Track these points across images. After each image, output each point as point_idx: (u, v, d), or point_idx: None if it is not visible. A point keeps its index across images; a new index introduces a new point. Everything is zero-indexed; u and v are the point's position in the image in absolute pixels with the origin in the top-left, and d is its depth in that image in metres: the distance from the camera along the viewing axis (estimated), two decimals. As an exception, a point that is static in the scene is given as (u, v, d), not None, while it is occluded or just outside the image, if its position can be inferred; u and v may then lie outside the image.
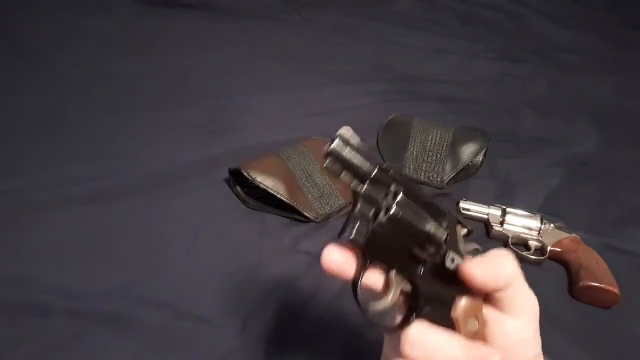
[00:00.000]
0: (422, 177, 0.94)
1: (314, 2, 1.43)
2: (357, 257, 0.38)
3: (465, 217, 0.87)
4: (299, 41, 1.29)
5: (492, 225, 0.86)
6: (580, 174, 1.00)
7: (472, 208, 0.88)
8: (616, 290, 0.75)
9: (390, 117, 1.03)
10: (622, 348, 0.72)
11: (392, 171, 0.36)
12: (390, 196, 0.36)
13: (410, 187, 0.36)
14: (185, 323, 0.67)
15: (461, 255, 0.37)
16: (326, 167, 0.35)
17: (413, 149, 0.96)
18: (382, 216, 0.35)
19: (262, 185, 0.81)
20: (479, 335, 0.37)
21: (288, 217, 0.83)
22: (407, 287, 0.37)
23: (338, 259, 0.37)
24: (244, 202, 0.85)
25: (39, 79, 1.05)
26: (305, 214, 0.82)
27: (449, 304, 0.37)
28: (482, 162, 0.97)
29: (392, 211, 0.35)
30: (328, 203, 0.85)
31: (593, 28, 1.49)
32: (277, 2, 1.41)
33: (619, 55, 1.41)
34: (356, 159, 0.35)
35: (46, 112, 0.97)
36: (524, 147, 1.06)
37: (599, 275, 0.76)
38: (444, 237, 0.36)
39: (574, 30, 1.48)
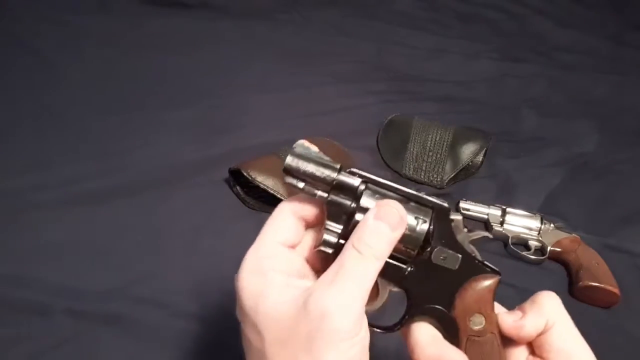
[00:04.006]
0: (422, 177, 0.94)
1: (314, 1, 1.43)
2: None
3: (465, 217, 0.87)
4: (298, 41, 1.28)
5: (492, 225, 0.86)
6: (580, 174, 1.00)
7: (472, 208, 0.88)
8: (616, 290, 0.75)
9: (390, 117, 1.03)
10: (622, 348, 0.72)
11: (357, 172, 0.36)
12: (358, 199, 0.35)
13: (380, 184, 0.35)
14: (185, 323, 0.67)
15: (458, 248, 0.35)
16: (288, 184, 0.36)
17: (413, 149, 0.96)
18: (352, 223, 0.34)
19: (262, 185, 0.81)
20: (485, 333, 0.35)
21: (288, 217, 0.83)
22: (396, 288, 0.36)
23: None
24: (243, 202, 0.85)
25: (38, 78, 1.05)
26: (305, 213, 0.82)
27: (449, 303, 0.35)
28: (482, 162, 0.97)
29: (357, 217, 0.34)
30: (328, 203, 0.85)
31: (593, 28, 1.49)
32: (277, 2, 1.41)
33: (619, 55, 1.41)
34: (313, 169, 0.35)
35: (46, 111, 0.97)
36: (524, 147, 1.06)
37: (599, 275, 0.76)
38: (423, 235, 0.35)
39: (574, 30, 1.47)
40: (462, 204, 0.88)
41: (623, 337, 0.73)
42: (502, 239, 0.85)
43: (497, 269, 0.37)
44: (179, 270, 0.73)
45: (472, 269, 0.36)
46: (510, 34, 1.45)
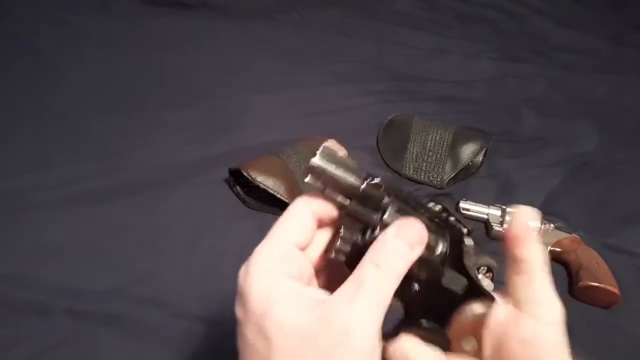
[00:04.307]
0: (422, 177, 0.94)
1: (314, 1, 1.43)
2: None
3: (465, 217, 0.87)
4: (298, 41, 1.28)
5: (492, 225, 0.86)
6: (580, 174, 1.00)
7: (472, 208, 0.88)
8: (616, 290, 0.75)
9: (390, 117, 1.03)
10: (622, 348, 0.72)
11: (383, 186, 0.34)
12: (380, 213, 0.33)
13: (404, 200, 0.34)
14: (185, 323, 0.67)
15: (464, 272, 0.35)
16: (308, 184, 0.33)
17: (413, 149, 0.96)
18: (368, 234, 0.33)
19: (262, 185, 0.81)
20: (475, 356, 0.35)
21: (288, 217, 0.83)
22: (397, 301, 0.35)
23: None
24: (244, 202, 0.85)
25: (38, 78, 1.05)
26: (305, 214, 0.82)
27: (445, 320, 0.35)
28: (482, 162, 0.97)
29: (377, 232, 0.33)
30: (328, 203, 0.85)
31: (593, 28, 1.49)
32: (277, 2, 1.41)
33: (619, 55, 1.41)
34: (339, 175, 0.33)
35: (46, 111, 0.97)
36: (524, 147, 1.06)
37: (599, 275, 0.76)
38: (441, 256, 0.34)
39: (574, 30, 1.47)
40: (462, 204, 0.89)
41: (623, 337, 0.73)
42: (502, 239, 0.85)
43: (493, 296, 0.36)
44: (179, 270, 0.73)
45: (474, 293, 0.36)
46: (510, 34, 1.45)
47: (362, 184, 0.33)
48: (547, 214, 0.87)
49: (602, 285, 0.75)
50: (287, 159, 0.87)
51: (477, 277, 0.36)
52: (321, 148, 0.33)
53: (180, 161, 0.90)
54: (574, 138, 1.09)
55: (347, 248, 0.34)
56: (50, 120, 0.95)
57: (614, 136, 1.11)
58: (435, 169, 0.94)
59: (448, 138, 0.96)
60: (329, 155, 0.33)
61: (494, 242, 0.86)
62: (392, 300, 0.34)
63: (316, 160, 0.33)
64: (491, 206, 0.88)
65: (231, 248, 0.77)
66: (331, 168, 0.33)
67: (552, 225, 0.85)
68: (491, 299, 0.36)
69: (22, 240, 0.74)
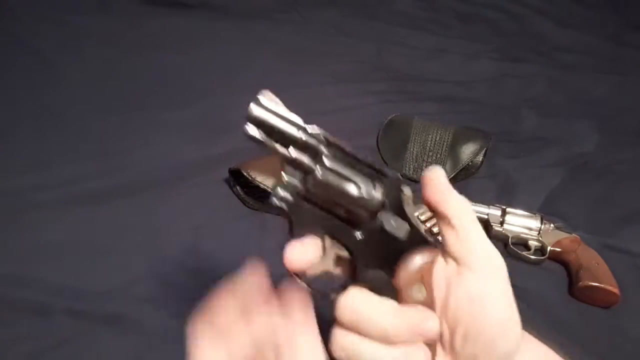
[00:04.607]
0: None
1: (314, 1, 1.43)
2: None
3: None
4: (298, 40, 1.28)
5: (492, 225, 0.86)
6: (580, 174, 1.00)
7: (472, 208, 0.88)
8: (616, 290, 0.75)
9: (390, 117, 1.02)
10: (622, 348, 0.72)
11: (320, 132, 0.35)
12: (317, 159, 0.34)
13: (341, 149, 0.35)
14: (185, 323, 0.67)
15: (406, 219, 0.36)
16: (246, 133, 0.34)
17: (413, 149, 0.96)
18: (308, 181, 0.34)
19: (262, 185, 0.81)
20: (425, 304, 0.35)
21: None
22: (345, 253, 0.36)
23: (301, 254, 0.35)
24: (244, 202, 0.85)
25: (38, 78, 1.05)
26: (305, 213, 0.82)
27: (392, 270, 0.36)
28: (482, 162, 0.97)
29: (315, 174, 0.34)
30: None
31: (593, 28, 1.49)
32: (277, 2, 1.41)
33: (619, 55, 1.41)
34: (278, 122, 0.34)
35: (46, 111, 0.97)
36: (524, 147, 1.06)
37: (599, 275, 0.76)
38: (378, 199, 0.35)
39: (574, 30, 1.47)
40: None
41: (623, 337, 0.73)
42: (502, 239, 0.85)
43: (435, 244, 0.37)
44: (179, 270, 0.73)
45: (417, 239, 0.36)
46: (510, 34, 1.45)
47: (299, 132, 0.34)
48: (547, 214, 0.86)
49: (602, 285, 0.75)
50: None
51: (418, 224, 0.36)
52: (259, 97, 0.34)
53: (180, 161, 0.90)
54: (574, 138, 1.09)
55: (289, 197, 0.35)
56: (50, 120, 0.95)
57: (614, 136, 1.11)
58: (435, 169, 0.94)
59: (448, 138, 0.96)
60: (265, 106, 0.34)
61: (495, 243, 0.85)
62: (339, 251, 0.36)
63: (254, 109, 0.34)
64: (491, 206, 0.88)
65: (231, 248, 0.77)
66: (270, 117, 0.34)
67: (552, 225, 0.85)
68: (435, 247, 0.37)
69: (22, 240, 0.74)
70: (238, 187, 0.85)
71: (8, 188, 0.81)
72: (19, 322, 0.65)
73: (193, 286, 0.72)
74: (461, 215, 0.37)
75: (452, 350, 0.36)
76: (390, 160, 0.98)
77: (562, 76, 1.29)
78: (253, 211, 0.84)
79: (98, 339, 0.65)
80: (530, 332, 0.76)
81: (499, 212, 0.87)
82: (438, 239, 0.38)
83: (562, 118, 1.15)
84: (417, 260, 0.36)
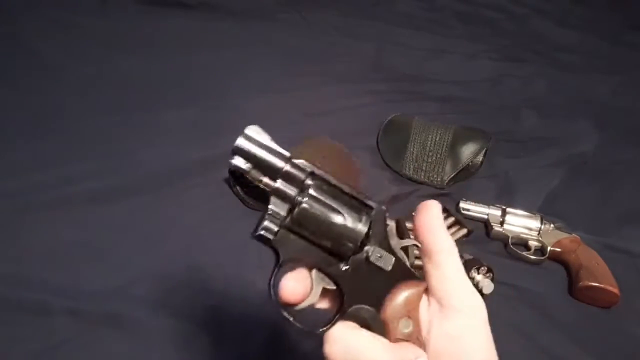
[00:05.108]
0: (422, 177, 0.94)
1: (314, 1, 1.43)
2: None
3: (465, 217, 0.87)
4: (298, 41, 1.28)
5: (492, 226, 0.86)
6: (580, 174, 1.00)
7: (472, 208, 0.88)
8: (616, 290, 0.75)
9: (390, 117, 1.02)
10: (622, 348, 0.72)
11: (306, 165, 0.36)
12: (304, 191, 0.35)
13: (326, 179, 0.36)
14: (185, 323, 0.67)
15: (391, 251, 0.36)
16: (232, 166, 0.36)
17: (413, 149, 0.96)
18: (294, 212, 0.35)
19: (262, 185, 0.81)
20: (412, 338, 0.35)
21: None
22: (331, 286, 0.36)
23: (295, 287, 0.35)
24: (243, 201, 0.85)
25: (38, 78, 1.05)
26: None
27: (379, 304, 0.36)
28: (482, 162, 0.97)
29: (301, 206, 0.35)
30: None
31: (593, 28, 1.49)
32: (277, 2, 1.41)
33: (619, 55, 1.41)
34: (264, 155, 0.35)
35: (45, 111, 0.97)
36: (524, 147, 1.06)
37: (599, 275, 0.76)
38: (364, 232, 0.35)
39: (574, 30, 1.47)
40: (462, 204, 0.89)
41: (623, 337, 0.73)
42: (502, 239, 0.85)
43: (419, 277, 0.37)
44: (179, 270, 0.73)
45: (403, 272, 0.36)
46: (510, 34, 1.45)
47: (285, 164, 0.35)
48: (547, 214, 0.86)
49: (602, 285, 0.75)
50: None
51: (404, 257, 0.37)
52: (246, 130, 0.36)
53: (180, 161, 0.90)
54: (574, 138, 1.09)
55: (275, 227, 0.35)
56: (50, 120, 0.95)
57: (614, 136, 1.11)
58: (435, 169, 0.94)
59: (448, 138, 0.96)
60: (252, 138, 0.35)
61: (495, 243, 0.85)
62: (326, 285, 0.36)
63: (240, 142, 0.35)
64: (491, 206, 0.88)
65: (231, 248, 0.77)
66: (255, 149, 0.35)
67: (552, 225, 0.85)
68: (421, 281, 0.37)
69: (22, 240, 0.74)
70: (238, 187, 0.85)
71: (8, 188, 0.81)
72: (19, 322, 0.65)
73: (193, 286, 0.72)
74: (446, 252, 0.36)
75: None
76: (390, 160, 0.98)
77: (562, 76, 1.29)
78: (253, 211, 0.84)
79: (98, 339, 0.65)
80: (530, 332, 0.76)
81: (499, 212, 0.87)
82: (419, 277, 0.37)
83: (562, 118, 1.15)
84: (404, 293, 0.36)
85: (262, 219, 0.35)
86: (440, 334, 0.35)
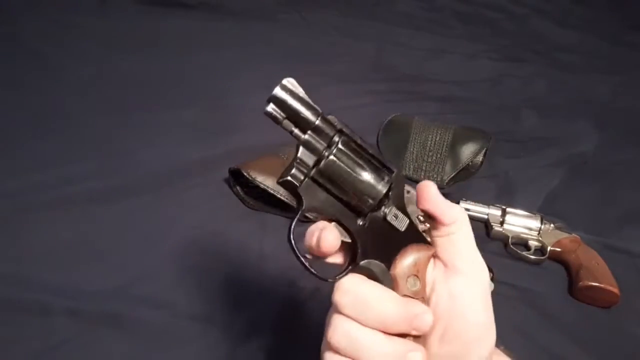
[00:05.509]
0: (422, 177, 0.94)
1: (314, 1, 1.43)
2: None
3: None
4: (298, 41, 1.29)
5: (492, 225, 0.86)
6: (580, 174, 1.00)
7: (472, 208, 0.88)
8: (616, 290, 0.75)
9: (390, 117, 1.02)
10: (622, 348, 0.72)
11: (336, 122, 0.38)
12: (331, 146, 0.37)
13: (353, 139, 0.38)
14: (185, 323, 0.67)
15: (407, 214, 0.38)
16: (267, 113, 0.37)
17: (413, 149, 0.96)
18: (320, 165, 0.36)
19: (262, 185, 0.81)
20: (418, 296, 0.37)
21: (288, 217, 0.83)
22: (348, 239, 0.38)
23: (334, 240, 0.37)
24: (243, 201, 0.85)
25: (38, 78, 1.05)
26: (305, 213, 0.81)
27: (390, 261, 0.37)
28: (482, 162, 0.97)
29: (328, 159, 0.36)
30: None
31: (593, 28, 1.49)
32: (277, 2, 1.41)
33: (619, 55, 1.41)
34: (298, 106, 0.37)
35: (45, 111, 0.97)
36: (524, 147, 1.06)
37: (599, 275, 0.76)
38: (384, 191, 0.37)
39: (574, 30, 1.48)
40: (462, 204, 0.88)
41: (623, 337, 0.73)
42: (502, 239, 0.85)
43: (431, 243, 0.39)
44: (180, 270, 0.73)
45: (416, 235, 0.39)
46: (510, 34, 1.45)
47: (317, 118, 0.37)
48: (547, 214, 0.86)
49: (602, 285, 0.75)
50: (287, 159, 0.87)
51: (417, 222, 0.39)
52: (283, 81, 0.37)
53: (180, 161, 0.90)
54: (574, 138, 1.09)
55: (301, 176, 0.37)
56: (50, 120, 0.95)
57: (614, 136, 1.11)
58: (435, 169, 0.94)
59: (448, 138, 0.96)
60: (290, 90, 0.37)
61: (495, 242, 0.85)
62: (344, 238, 0.38)
63: (277, 92, 0.37)
64: (491, 206, 0.88)
65: (231, 248, 0.77)
66: (292, 100, 0.37)
67: (552, 225, 0.85)
68: (430, 245, 0.39)
69: (22, 240, 0.74)
70: (238, 187, 0.85)
71: (8, 188, 0.81)
72: (19, 322, 0.65)
73: (193, 286, 0.72)
74: (460, 222, 0.38)
75: (427, 351, 0.36)
76: (390, 160, 0.97)
77: (562, 76, 1.29)
78: (253, 211, 0.84)
79: (98, 339, 0.65)
80: (530, 332, 0.76)
81: (499, 212, 0.87)
82: (430, 243, 0.39)
83: (562, 118, 1.15)
84: (414, 253, 0.38)
85: (290, 167, 0.37)
86: (442, 293, 0.37)
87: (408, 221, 0.38)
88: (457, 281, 0.37)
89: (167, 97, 1.05)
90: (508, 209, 0.86)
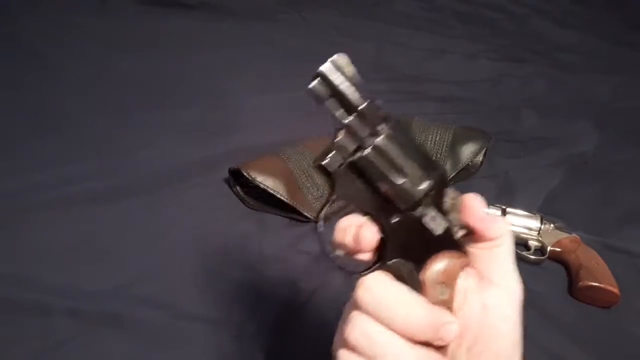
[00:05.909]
0: (422, 177, 0.94)
1: (314, 1, 1.43)
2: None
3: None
4: (298, 41, 1.29)
5: (492, 225, 0.85)
6: (580, 174, 1.00)
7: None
8: (616, 290, 0.75)
9: (391, 117, 1.02)
10: (622, 348, 0.72)
11: (384, 111, 0.34)
12: (375, 135, 0.34)
13: (401, 131, 0.35)
14: (185, 323, 0.67)
15: (447, 220, 0.35)
16: (311, 89, 0.33)
17: (413, 149, 0.96)
18: (359, 153, 0.34)
19: (262, 185, 0.81)
20: (445, 305, 0.35)
21: (288, 217, 0.83)
22: (379, 235, 0.36)
23: (372, 238, 0.35)
24: (243, 201, 0.85)
25: (38, 78, 1.05)
26: (305, 214, 0.82)
27: (420, 264, 0.35)
28: (482, 162, 0.97)
29: (370, 148, 0.33)
30: (328, 203, 0.85)
31: (593, 28, 1.49)
32: (277, 2, 1.41)
33: (619, 55, 1.41)
34: (347, 87, 0.33)
35: (45, 111, 0.97)
36: (524, 147, 1.06)
37: (599, 275, 0.76)
38: (424, 192, 0.34)
39: (574, 30, 1.48)
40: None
41: (623, 337, 0.73)
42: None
43: (466, 252, 0.37)
44: (179, 270, 0.73)
45: (451, 241, 0.36)
46: (510, 34, 1.45)
47: (364, 102, 0.33)
48: (547, 214, 0.86)
49: (602, 285, 0.75)
50: (287, 159, 0.87)
51: (453, 229, 0.36)
52: (333, 57, 0.33)
53: (180, 161, 0.90)
54: (574, 138, 1.09)
55: (338, 162, 0.34)
56: (50, 120, 0.95)
57: (614, 136, 1.11)
58: (435, 169, 0.94)
59: (448, 138, 0.96)
60: (338, 67, 0.33)
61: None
62: (373, 232, 0.35)
63: (327, 68, 0.33)
64: (491, 206, 0.87)
65: (231, 248, 0.77)
66: (338, 79, 0.33)
67: (552, 225, 0.85)
68: (464, 255, 0.36)
69: (22, 240, 0.74)
70: (238, 187, 0.85)
71: (8, 188, 0.81)
72: (19, 322, 0.65)
73: (193, 286, 0.72)
74: (504, 236, 0.36)
75: None
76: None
77: (562, 76, 1.29)
78: (253, 211, 0.84)
79: (98, 339, 0.65)
80: (530, 332, 0.76)
81: (498, 212, 0.86)
82: (465, 252, 0.37)
83: (562, 118, 1.15)
84: (447, 260, 0.35)
85: (327, 150, 0.34)
86: (474, 303, 0.35)
87: (445, 226, 0.36)
88: (493, 293, 0.35)
89: (167, 97, 1.05)
90: (508, 209, 0.86)
